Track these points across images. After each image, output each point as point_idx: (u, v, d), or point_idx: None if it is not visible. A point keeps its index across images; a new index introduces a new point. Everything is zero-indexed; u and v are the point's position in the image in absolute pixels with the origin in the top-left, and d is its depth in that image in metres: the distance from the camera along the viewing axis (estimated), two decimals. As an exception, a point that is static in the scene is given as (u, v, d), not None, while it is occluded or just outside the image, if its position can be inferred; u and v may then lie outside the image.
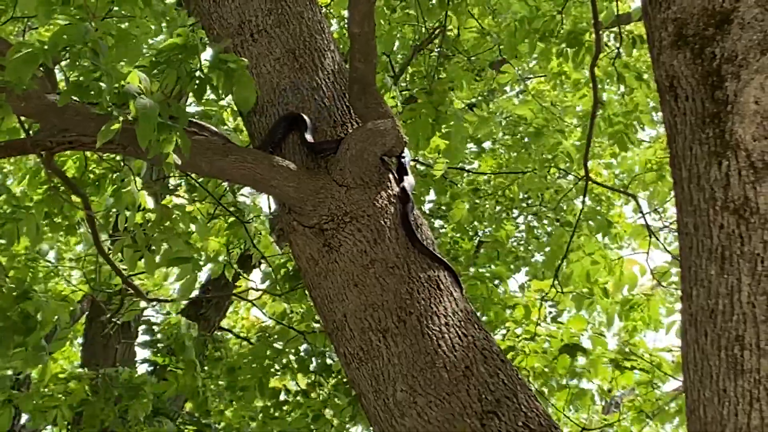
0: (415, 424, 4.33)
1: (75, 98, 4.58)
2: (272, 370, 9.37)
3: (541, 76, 12.23)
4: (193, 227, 7.26)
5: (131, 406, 8.54)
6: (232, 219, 7.80)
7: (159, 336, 9.72)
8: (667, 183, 10.70)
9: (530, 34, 9.06)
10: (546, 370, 8.88)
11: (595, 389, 9.21)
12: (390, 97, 8.77)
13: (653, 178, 10.74)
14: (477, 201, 10.46)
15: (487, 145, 12.46)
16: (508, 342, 8.92)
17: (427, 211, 12.39)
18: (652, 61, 3.56)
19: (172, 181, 8.90)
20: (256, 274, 10.55)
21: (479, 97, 11.09)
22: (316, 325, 9.07)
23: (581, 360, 8.84)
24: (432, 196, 12.18)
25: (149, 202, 6.75)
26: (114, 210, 7.26)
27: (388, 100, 8.67)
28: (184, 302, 11.11)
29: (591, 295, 9.51)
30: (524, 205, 11.54)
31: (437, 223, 12.60)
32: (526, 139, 11.43)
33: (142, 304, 9.10)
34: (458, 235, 12.18)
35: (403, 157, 5.07)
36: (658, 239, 8.21)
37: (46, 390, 8.39)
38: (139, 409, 8.54)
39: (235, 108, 8.83)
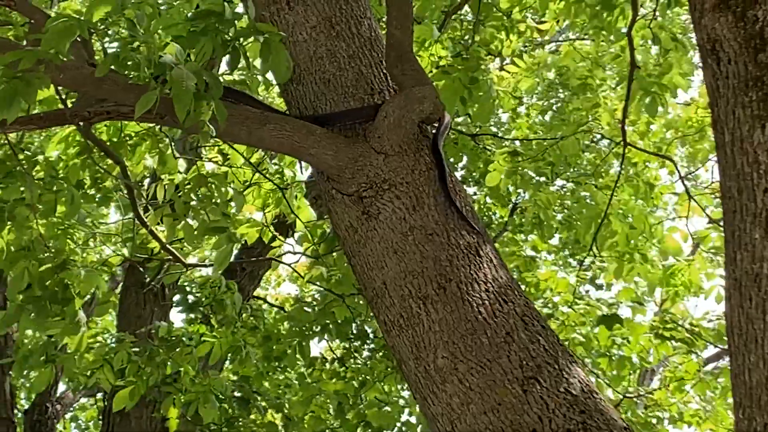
0: (456, 390, 4.34)
1: (113, 68, 4.59)
2: (310, 332, 9.39)
3: (578, 39, 12.12)
4: (231, 191, 7.27)
5: (174, 357, 8.57)
6: (268, 185, 7.79)
7: (194, 298, 9.75)
8: (705, 143, 10.64)
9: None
10: (584, 340, 8.88)
11: (636, 356, 9.20)
12: (442, 48, 8.71)
13: (693, 140, 10.68)
14: (514, 165, 10.39)
15: (521, 110, 12.40)
16: (546, 310, 8.93)
17: (460, 178, 12.34)
18: (694, 24, 3.54)
19: (206, 151, 8.91)
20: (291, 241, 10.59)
21: (520, 50, 10.98)
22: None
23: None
24: (464, 162, 12.18)
25: (181, 168, 6.77)
26: (147, 178, 7.28)
27: (437, 51, 8.63)
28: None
29: (631, 260, 9.46)
30: (562, 169, 11.46)
31: (470, 190, 12.56)
32: (560, 97, 11.36)
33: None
34: (491, 201, 12.15)
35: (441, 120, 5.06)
36: (697, 203, 8.16)
37: (87, 355, 8.42)
38: (183, 363, 8.57)
39: (267, 78, 8.87)
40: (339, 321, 9.32)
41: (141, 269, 9.23)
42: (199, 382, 8.69)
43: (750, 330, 3.29)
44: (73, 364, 8.23)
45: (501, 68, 11.24)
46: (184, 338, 8.81)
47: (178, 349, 8.71)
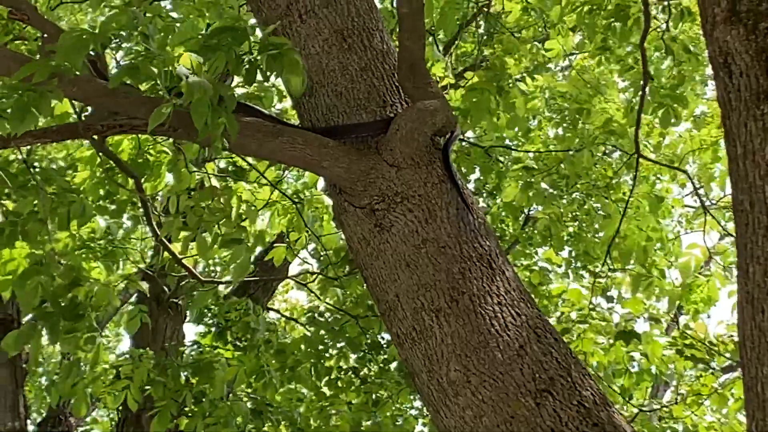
0: (469, 403, 4.34)
1: (127, 81, 4.60)
2: (327, 354, 9.41)
3: (585, 52, 12.11)
4: (243, 207, 7.29)
5: (207, 384, 8.57)
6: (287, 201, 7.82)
7: (213, 315, 9.77)
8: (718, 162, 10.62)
9: (577, 8, 9.00)
10: (602, 353, 8.88)
11: (654, 369, 9.19)
12: (441, 68, 8.73)
13: (706, 160, 10.66)
14: (530, 180, 10.39)
15: (533, 123, 12.38)
16: (562, 324, 8.92)
17: (472, 189, 12.34)
18: (705, 37, 3.54)
19: (221, 164, 8.95)
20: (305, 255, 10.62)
21: (523, 73, 11.00)
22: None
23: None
24: (477, 174, 12.17)
25: (213, 182, 6.80)
26: (160, 192, 7.30)
27: (438, 72, 8.65)
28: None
29: (649, 275, 9.45)
30: (575, 182, 11.44)
31: (482, 202, 12.54)
32: (571, 116, 11.34)
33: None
34: (504, 213, 12.13)
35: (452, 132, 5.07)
36: (713, 216, 8.15)
37: (110, 371, 8.42)
38: (215, 389, 8.57)
39: (282, 91, 8.90)
40: (352, 335, 9.33)
41: (163, 283, 9.24)
42: (221, 406, 8.69)
43: (763, 343, 3.28)
44: (100, 386, 8.24)
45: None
46: (215, 364, 8.79)
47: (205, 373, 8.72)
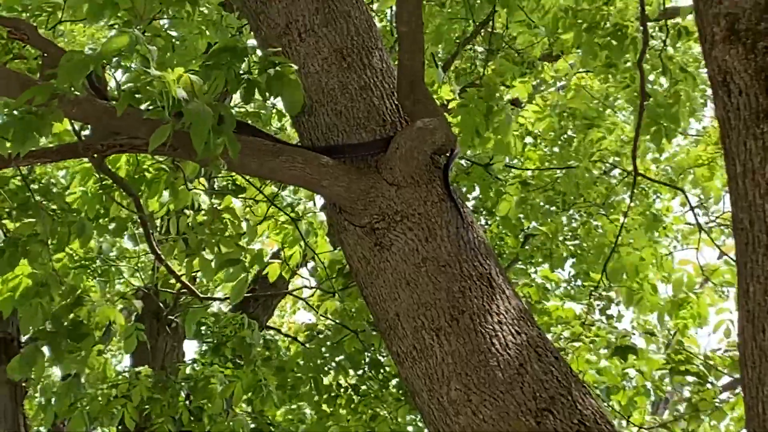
0: (469, 422, 4.33)
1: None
2: (326, 369, 9.39)
3: (585, 71, 12.11)
4: (243, 226, 7.28)
5: (205, 401, 8.56)
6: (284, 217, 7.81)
7: (212, 333, 9.77)
8: (719, 180, 10.62)
9: (576, 26, 9.01)
10: (598, 375, 8.89)
11: (650, 386, 9.19)
12: (449, 91, 8.73)
13: (704, 174, 10.66)
14: (525, 195, 10.40)
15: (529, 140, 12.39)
16: (558, 343, 8.92)
17: (472, 207, 12.33)
18: (705, 56, 3.54)
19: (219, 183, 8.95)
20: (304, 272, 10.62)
21: (532, 92, 10.99)
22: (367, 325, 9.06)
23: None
24: (476, 192, 12.16)
25: (204, 202, 6.80)
26: (162, 212, 7.31)
27: (444, 93, 8.65)
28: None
29: (640, 290, 9.47)
30: (573, 198, 11.45)
31: (481, 220, 12.54)
32: (568, 133, 11.34)
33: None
34: (503, 231, 12.13)
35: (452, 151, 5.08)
36: (708, 235, 8.15)
37: (107, 390, 8.41)
38: (213, 406, 8.57)
39: (282, 110, 8.91)
40: (351, 351, 9.31)
41: (158, 300, 9.24)
42: (220, 421, 8.68)
43: (764, 363, 3.28)
44: (98, 406, 8.24)
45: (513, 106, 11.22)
46: (213, 380, 8.78)
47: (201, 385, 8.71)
